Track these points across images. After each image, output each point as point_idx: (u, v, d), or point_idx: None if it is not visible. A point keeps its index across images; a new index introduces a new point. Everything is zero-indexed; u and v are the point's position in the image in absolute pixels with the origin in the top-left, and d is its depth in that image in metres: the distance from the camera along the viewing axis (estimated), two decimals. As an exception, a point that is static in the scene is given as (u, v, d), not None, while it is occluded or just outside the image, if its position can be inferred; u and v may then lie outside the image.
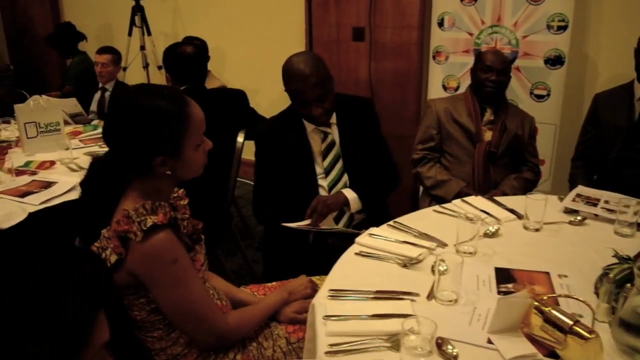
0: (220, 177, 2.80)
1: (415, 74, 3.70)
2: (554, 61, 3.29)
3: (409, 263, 1.72)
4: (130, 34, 5.06)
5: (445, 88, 3.62)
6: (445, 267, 1.52)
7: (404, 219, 2.04)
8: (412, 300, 1.52)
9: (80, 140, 3.40)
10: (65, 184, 2.51)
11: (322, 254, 2.13)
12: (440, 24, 3.56)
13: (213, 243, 2.44)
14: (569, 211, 2.11)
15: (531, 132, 2.88)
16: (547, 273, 1.67)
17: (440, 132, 2.84)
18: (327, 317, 1.42)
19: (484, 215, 2.05)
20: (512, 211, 2.12)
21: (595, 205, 2.14)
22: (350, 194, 2.32)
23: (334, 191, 2.36)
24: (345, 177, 2.41)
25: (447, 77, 3.60)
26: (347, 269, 1.71)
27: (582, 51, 3.50)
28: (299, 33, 4.14)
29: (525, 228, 2.00)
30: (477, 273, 1.68)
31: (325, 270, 1.72)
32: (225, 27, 4.90)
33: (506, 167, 2.80)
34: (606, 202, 2.16)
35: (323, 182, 2.37)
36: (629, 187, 2.31)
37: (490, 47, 3.45)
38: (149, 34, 5.02)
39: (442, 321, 1.32)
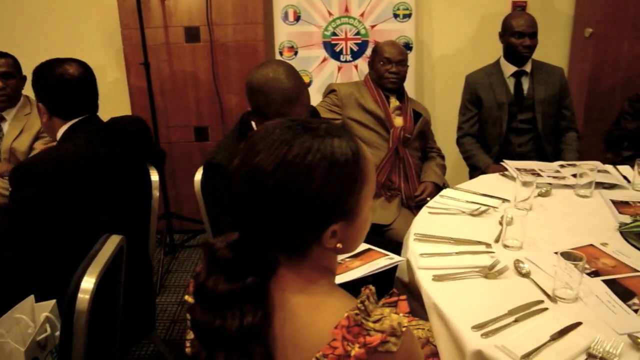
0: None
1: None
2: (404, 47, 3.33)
3: (477, 213, 2.00)
4: None
5: (298, 85, 3.39)
6: (510, 217, 1.76)
7: (466, 184, 2.32)
8: (486, 244, 1.77)
9: None
10: None
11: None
12: (285, 17, 3.35)
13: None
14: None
15: (429, 119, 2.88)
16: (592, 245, 1.73)
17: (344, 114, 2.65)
18: (422, 254, 1.69)
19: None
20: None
21: (539, 175, 2.29)
22: None
23: None
24: None
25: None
26: (425, 222, 1.96)
27: (426, 38, 3.63)
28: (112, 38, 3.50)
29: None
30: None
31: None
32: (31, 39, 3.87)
33: (415, 151, 2.75)
34: (541, 170, 2.35)
35: None
36: (519, 155, 2.87)
37: (341, 38, 3.37)
38: None
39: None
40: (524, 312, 1.39)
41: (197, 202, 2.09)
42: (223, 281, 0.94)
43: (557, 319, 1.34)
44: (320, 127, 0.94)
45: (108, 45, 3.60)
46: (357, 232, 1.00)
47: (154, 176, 2.10)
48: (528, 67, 2.87)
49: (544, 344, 1.25)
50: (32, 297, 1.57)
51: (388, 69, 2.64)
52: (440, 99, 3.66)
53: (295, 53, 3.37)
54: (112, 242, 1.54)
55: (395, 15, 3.34)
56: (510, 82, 2.89)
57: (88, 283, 1.38)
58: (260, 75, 1.76)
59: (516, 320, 1.35)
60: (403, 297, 0.95)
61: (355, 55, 3.40)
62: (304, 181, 0.88)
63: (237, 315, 0.91)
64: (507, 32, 2.84)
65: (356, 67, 3.40)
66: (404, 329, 0.88)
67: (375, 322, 0.89)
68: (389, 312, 0.91)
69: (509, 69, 2.89)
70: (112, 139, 1.90)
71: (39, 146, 2.57)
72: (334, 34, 3.37)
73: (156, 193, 2.08)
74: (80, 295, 1.37)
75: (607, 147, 2.94)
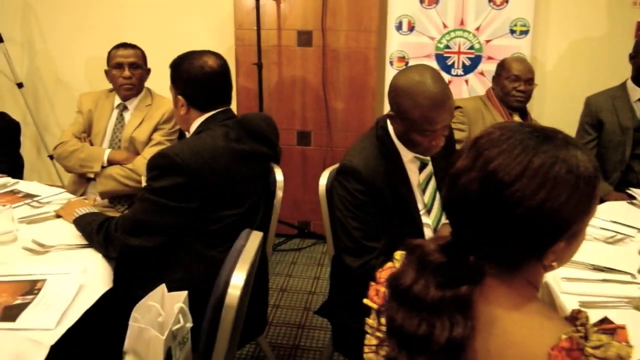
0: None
1: (373, 82, 3.36)
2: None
3: (613, 241, 1.92)
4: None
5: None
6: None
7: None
8: (630, 274, 1.68)
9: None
10: (54, 278, 1.56)
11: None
12: (399, 27, 3.30)
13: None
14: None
15: None
16: None
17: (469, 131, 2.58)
18: (564, 278, 1.62)
19: None
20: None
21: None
22: None
23: (439, 227, 1.95)
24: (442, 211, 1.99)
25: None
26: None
27: (540, 55, 3.51)
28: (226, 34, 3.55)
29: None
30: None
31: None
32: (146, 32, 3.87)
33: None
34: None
35: (426, 219, 1.92)
36: (640, 183, 2.79)
37: (454, 51, 3.30)
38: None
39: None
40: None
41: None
42: (434, 287, 0.88)
43: None
44: (557, 135, 0.88)
45: (218, 45, 3.65)
46: (572, 252, 0.94)
47: (279, 175, 2.08)
48: None
49: None
50: (163, 285, 1.56)
51: (516, 86, 2.58)
52: (549, 119, 3.52)
53: (406, 64, 3.32)
54: (256, 238, 1.52)
55: (512, 32, 3.23)
56: (637, 107, 2.75)
57: (238, 279, 1.37)
58: (408, 78, 1.72)
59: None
60: (622, 325, 0.86)
61: (467, 69, 3.31)
62: (547, 194, 0.83)
63: (447, 325, 0.86)
64: None
65: (467, 81, 3.31)
66: None
67: (595, 348, 0.82)
68: (607, 339, 0.84)
69: (637, 92, 2.74)
70: (245, 135, 1.91)
71: (157, 137, 2.63)
72: (447, 46, 3.30)
73: (280, 193, 2.06)
74: (230, 290, 1.35)
75: None
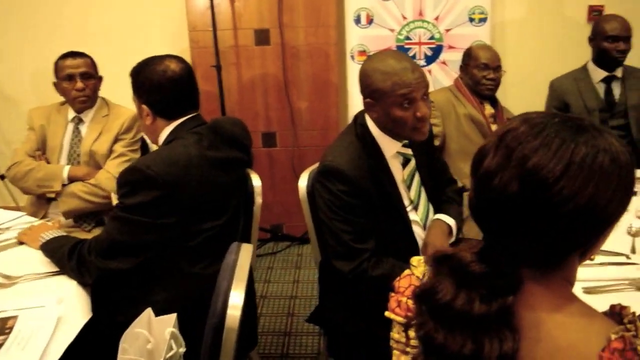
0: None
1: (335, 78, 3.29)
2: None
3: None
4: None
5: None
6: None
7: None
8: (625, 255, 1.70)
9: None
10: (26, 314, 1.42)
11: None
12: (357, 20, 3.24)
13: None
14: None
15: None
16: None
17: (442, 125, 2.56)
18: None
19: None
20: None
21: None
22: (449, 220, 1.88)
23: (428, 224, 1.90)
24: (431, 207, 1.95)
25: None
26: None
27: (499, 43, 3.51)
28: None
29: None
30: None
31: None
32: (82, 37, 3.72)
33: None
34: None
35: (414, 216, 1.87)
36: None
37: (415, 42, 3.27)
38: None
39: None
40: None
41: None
42: (479, 301, 0.81)
43: None
44: (585, 122, 0.83)
45: (171, 49, 3.50)
46: (604, 242, 0.88)
47: (256, 181, 1.99)
48: (619, 72, 2.77)
49: None
50: (149, 309, 1.46)
51: (485, 75, 2.56)
52: (513, 105, 3.54)
53: (368, 57, 3.26)
54: (247, 251, 1.42)
55: (471, 20, 3.23)
56: (600, 88, 2.79)
57: (237, 298, 1.28)
58: (371, 61, 1.74)
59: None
60: None
61: (429, 60, 3.29)
62: (595, 188, 0.78)
63: (496, 341, 0.79)
64: (598, 36, 2.73)
65: (430, 72, 3.28)
66: None
67: None
68: None
69: (598, 74, 2.78)
70: (219, 141, 1.81)
71: (119, 149, 2.48)
72: (407, 38, 3.27)
73: (259, 199, 1.96)
74: (230, 311, 1.28)
75: None
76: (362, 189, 1.73)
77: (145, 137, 2.58)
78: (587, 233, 0.82)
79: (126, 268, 1.63)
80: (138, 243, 1.63)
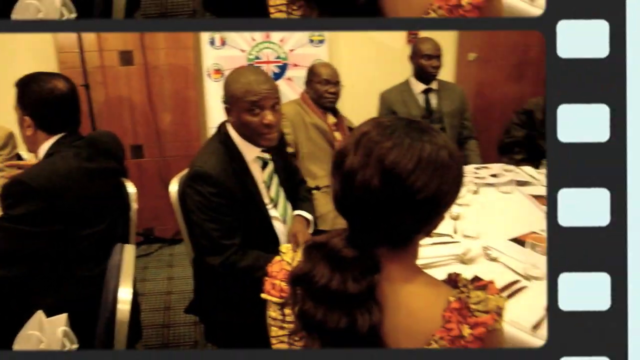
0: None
1: (195, 94, 3.70)
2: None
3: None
4: None
5: (227, 104, 3.73)
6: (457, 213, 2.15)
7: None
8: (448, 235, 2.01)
9: None
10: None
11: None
12: (212, 42, 3.67)
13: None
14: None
15: None
16: (534, 232, 2.06)
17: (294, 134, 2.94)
18: None
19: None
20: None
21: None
22: (308, 215, 2.21)
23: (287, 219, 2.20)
24: (289, 204, 2.25)
25: (227, 93, 3.72)
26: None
27: (336, 62, 3.99)
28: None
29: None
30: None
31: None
32: None
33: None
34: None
35: (274, 212, 2.15)
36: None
37: (264, 61, 3.75)
38: None
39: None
40: (511, 290, 1.59)
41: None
42: (351, 281, 0.93)
43: (540, 293, 1.48)
44: (423, 124, 0.98)
45: (41, 68, 3.68)
46: (441, 222, 1.03)
47: (131, 188, 2.28)
48: (435, 85, 3.29)
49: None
50: (40, 312, 1.54)
51: (327, 89, 2.91)
52: (351, 114, 4.07)
53: (223, 75, 3.69)
54: (130, 251, 1.69)
55: (311, 41, 3.77)
56: (421, 98, 3.30)
57: (125, 293, 1.48)
58: (231, 73, 2.02)
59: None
60: (491, 280, 1.01)
61: (277, 76, 3.78)
62: (440, 179, 0.92)
63: (367, 314, 0.93)
64: (416, 54, 3.24)
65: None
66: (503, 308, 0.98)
67: (476, 303, 0.95)
68: (483, 294, 0.96)
69: (418, 87, 3.29)
70: (96, 153, 1.97)
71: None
72: (257, 57, 3.73)
73: (135, 205, 2.27)
74: (119, 306, 1.46)
75: (501, 152, 3.38)
76: (228, 190, 1.93)
77: (22, 154, 2.77)
78: (432, 216, 0.97)
79: (11, 276, 1.74)
80: (23, 251, 1.74)
